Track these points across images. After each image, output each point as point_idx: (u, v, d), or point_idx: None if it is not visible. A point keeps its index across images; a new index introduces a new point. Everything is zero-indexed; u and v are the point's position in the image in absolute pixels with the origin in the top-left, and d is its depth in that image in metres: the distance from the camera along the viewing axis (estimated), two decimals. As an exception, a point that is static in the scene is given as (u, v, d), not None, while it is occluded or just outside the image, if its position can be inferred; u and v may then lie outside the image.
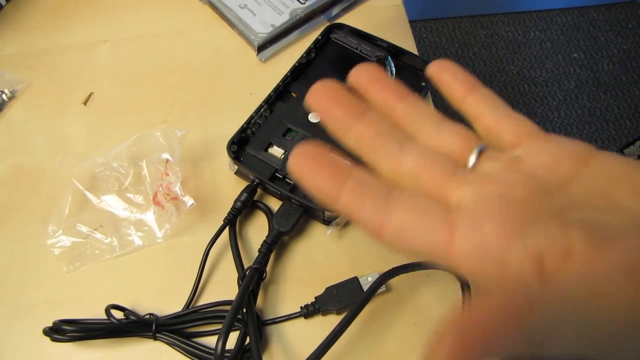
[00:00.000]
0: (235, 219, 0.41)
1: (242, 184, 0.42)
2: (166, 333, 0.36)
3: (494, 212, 0.19)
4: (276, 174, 0.41)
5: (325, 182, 0.20)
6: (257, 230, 0.41)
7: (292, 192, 0.40)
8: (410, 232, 0.19)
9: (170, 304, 0.38)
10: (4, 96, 0.48)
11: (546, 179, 0.20)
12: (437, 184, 0.21)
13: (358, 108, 0.22)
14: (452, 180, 0.21)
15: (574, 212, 0.19)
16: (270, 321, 0.38)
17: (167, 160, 0.41)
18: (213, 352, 0.33)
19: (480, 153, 0.22)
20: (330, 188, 0.20)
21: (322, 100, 0.22)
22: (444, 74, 0.24)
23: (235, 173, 0.43)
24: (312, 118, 0.44)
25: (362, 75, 0.24)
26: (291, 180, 0.41)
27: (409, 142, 0.22)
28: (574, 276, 0.17)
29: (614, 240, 0.17)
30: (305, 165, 0.20)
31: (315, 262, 0.40)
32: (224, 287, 0.39)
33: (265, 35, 0.51)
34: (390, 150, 0.22)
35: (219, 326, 0.36)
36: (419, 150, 0.22)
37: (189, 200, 0.40)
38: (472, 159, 0.22)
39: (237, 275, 0.39)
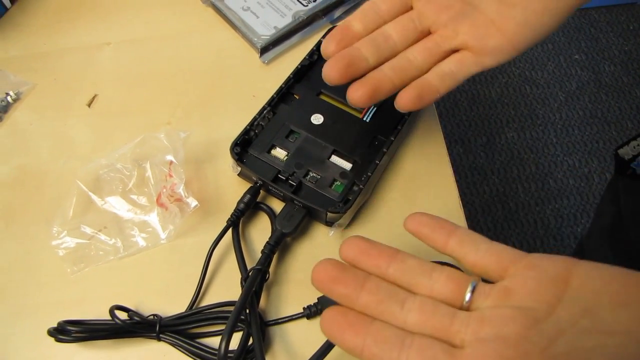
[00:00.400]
0: (239, 221, 0.41)
1: (245, 186, 0.42)
2: (170, 334, 0.37)
3: (489, 357, 0.22)
4: (279, 176, 0.42)
5: (351, 339, 0.25)
6: (260, 232, 0.42)
7: (294, 194, 0.40)
8: None
9: (173, 304, 0.38)
10: (8, 98, 0.48)
11: (534, 309, 0.23)
12: (441, 331, 0.24)
13: (357, 281, 0.26)
14: (454, 325, 0.24)
15: (561, 341, 0.22)
16: (273, 322, 0.38)
17: (171, 162, 0.41)
18: (216, 352, 0.33)
19: (473, 290, 0.25)
20: (355, 344, 0.24)
21: (325, 282, 0.26)
22: (422, 228, 0.28)
23: (238, 175, 0.43)
24: (315, 120, 0.44)
25: (350, 251, 0.28)
26: (294, 182, 0.41)
27: (408, 300, 0.26)
28: None
29: None
30: (333, 327, 0.25)
31: (318, 263, 0.40)
32: (227, 288, 0.39)
33: (268, 37, 0.51)
34: (394, 312, 0.25)
35: (223, 327, 0.37)
36: (419, 304, 0.25)
37: (193, 202, 0.40)
38: (467, 297, 0.25)
39: (240, 276, 0.39)
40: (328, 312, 0.26)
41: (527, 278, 0.25)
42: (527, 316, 0.23)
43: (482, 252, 0.26)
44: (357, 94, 0.33)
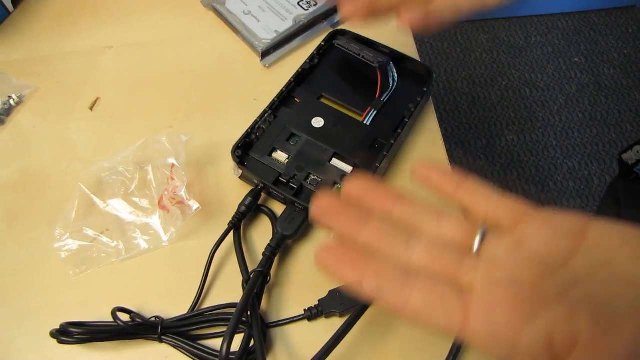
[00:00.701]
0: (240, 223, 0.41)
1: (246, 188, 0.42)
2: (172, 335, 0.37)
3: (504, 298, 0.21)
4: (280, 179, 0.42)
5: (349, 273, 0.23)
6: (261, 234, 0.42)
7: (295, 197, 0.41)
8: (427, 315, 0.22)
9: (175, 306, 0.39)
10: (11, 101, 0.49)
11: (548, 258, 0.22)
12: (448, 272, 0.23)
13: (360, 215, 0.24)
14: (462, 267, 0.23)
15: (578, 289, 0.20)
16: (274, 324, 0.38)
17: (173, 165, 0.41)
18: (218, 354, 0.33)
19: (483, 237, 0.23)
20: (354, 277, 0.23)
21: (325, 214, 0.24)
22: (431, 174, 0.26)
23: (239, 177, 0.43)
24: (316, 123, 0.45)
25: (354, 187, 0.26)
26: (295, 185, 0.41)
27: (413, 238, 0.24)
28: None
29: (617, 325, 0.19)
30: (330, 260, 0.23)
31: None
32: (228, 290, 0.39)
33: (269, 41, 0.51)
34: (398, 251, 0.24)
35: (224, 329, 0.37)
36: (425, 243, 0.24)
37: (195, 205, 0.40)
38: (476, 244, 0.23)
39: (241, 279, 0.39)
40: (324, 246, 0.23)
41: (542, 229, 0.23)
42: (541, 264, 0.22)
43: (493, 203, 0.25)
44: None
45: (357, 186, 0.26)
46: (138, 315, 0.37)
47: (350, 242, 0.24)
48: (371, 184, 0.26)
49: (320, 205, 0.25)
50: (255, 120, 0.44)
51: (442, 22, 0.35)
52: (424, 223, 0.25)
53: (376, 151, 0.43)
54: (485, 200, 0.25)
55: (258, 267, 0.38)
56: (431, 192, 0.26)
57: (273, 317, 0.38)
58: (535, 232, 0.23)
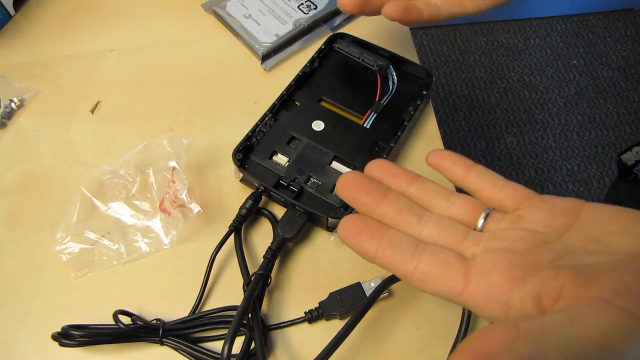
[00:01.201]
0: (241, 226, 0.41)
1: (247, 191, 0.43)
2: (173, 338, 0.37)
3: (500, 264, 0.23)
4: (280, 182, 0.42)
5: (366, 243, 0.26)
6: (262, 237, 0.42)
7: (296, 199, 0.41)
8: (433, 279, 0.24)
9: (176, 309, 0.39)
10: (12, 105, 0.49)
11: (544, 232, 0.25)
12: (454, 244, 0.26)
13: (379, 192, 0.27)
14: (466, 241, 0.26)
15: (568, 258, 0.23)
16: (275, 326, 0.38)
17: (174, 168, 0.41)
18: (219, 356, 0.34)
19: (487, 216, 0.26)
20: (369, 247, 0.25)
21: (349, 190, 0.27)
22: (443, 161, 0.29)
23: (240, 180, 0.44)
24: (316, 126, 0.45)
25: (375, 170, 0.29)
26: (295, 188, 0.42)
27: (425, 214, 0.27)
28: (560, 310, 0.21)
29: (595, 277, 0.21)
30: (350, 231, 0.26)
31: (319, 267, 0.41)
32: (229, 292, 0.40)
33: (269, 44, 0.52)
34: (411, 223, 0.26)
35: (225, 331, 0.37)
36: (435, 219, 0.27)
37: (195, 207, 0.41)
38: (480, 222, 0.26)
39: (242, 281, 0.39)
40: (346, 218, 0.26)
41: (539, 209, 0.26)
42: (536, 237, 0.24)
43: (498, 187, 0.27)
44: None
45: (377, 167, 0.29)
46: (139, 317, 0.37)
47: (368, 216, 0.27)
48: (390, 165, 0.29)
49: (346, 180, 0.27)
50: (256, 124, 0.44)
51: (421, 19, 0.39)
52: (436, 202, 0.27)
53: (376, 154, 0.43)
54: (491, 184, 0.27)
55: (259, 270, 0.38)
56: (443, 176, 0.29)
57: (274, 320, 0.39)
58: (534, 212, 0.26)
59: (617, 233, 0.23)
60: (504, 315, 0.22)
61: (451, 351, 0.37)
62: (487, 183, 0.28)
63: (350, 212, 0.40)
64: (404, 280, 0.25)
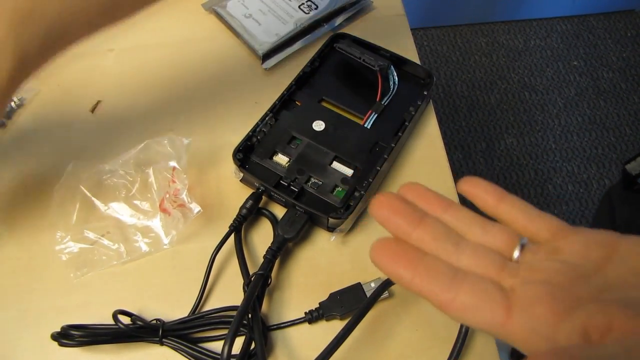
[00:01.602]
0: (241, 226, 0.41)
1: (247, 191, 0.43)
2: (172, 338, 0.37)
3: (543, 297, 0.23)
4: (281, 182, 0.42)
5: (402, 269, 0.24)
6: (262, 237, 0.42)
7: (296, 200, 0.41)
8: (473, 310, 0.23)
9: (176, 309, 0.39)
10: (12, 104, 0.49)
11: (582, 265, 0.24)
12: (492, 275, 0.25)
13: (415, 216, 0.26)
14: (504, 272, 0.25)
15: (610, 293, 0.22)
16: (275, 326, 0.38)
17: (174, 168, 0.41)
18: (219, 357, 0.33)
19: (523, 247, 0.26)
20: (406, 273, 0.24)
21: (384, 212, 0.26)
22: (475, 189, 0.28)
23: (240, 180, 0.44)
24: (316, 126, 0.45)
25: (409, 193, 0.28)
26: (296, 188, 0.41)
27: (462, 242, 0.26)
28: (614, 342, 0.20)
29: None
30: (385, 256, 0.25)
31: (319, 268, 0.41)
32: (229, 293, 0.40)
33: (270, 44, 0.51)
34: (448, 251, 0.25)
35: (225, 331, 0.37)
36: (472, 248, 0.26)
37: (196, 207, 0.40)
38: (516, 253, 0.26)
39: (242, 281, 0.39)
40: (380, 241, 0.25)
41: (576, 242, 0.25)
42: (576, 270, 0.24)
43: (532, 217, 0.27)
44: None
45: (411, 190, 0.28)
46: (139, 317, 0.37)
47: (403, 241, 0.26)
48: (425, 190, 0.28)
49: (382, 201, 0.26)
50: (257, 124, 0.44)
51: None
52: (472, 230, 0.27)
53: (377, 154, 0.43)
54: (525, 214, 0.27)
55: (259, 270, 0.38)
56: (474, 203, 0.28)
57: (274, 320, 0.38)
58: (570, 244, 0.25)
59: None
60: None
61: (451, 356, 0.37)
62: (521, 213, 0.27)
63: (351, 213, 0.40)
64: (441, 310, 0.24)
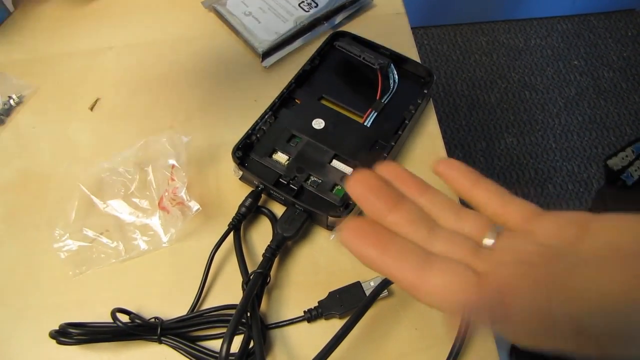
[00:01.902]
0: (240, 224, 0.41)
1: (246, 190, 0.42)
2: (171, 336, 0.37)
3: (518, 276, 0.23)
4: (280, 180, 0.42)
5: (371, 250, 0.24)
6: (261, 235, 0.42)
7: (295, 198, 0.41)
8: (444, 293, 0.23)
9: (175, 307, 0.38)
10: (11, 101, 0.49)
11: (556, 245, 0.24)
12: (465, 259, 0.24)
13: (392, 197, 0.26)
14: (478, 258, 0.24)
15: (584, 268, 0.22)
16: (274, 325, 0.38)
17: (173, 166, 0.41)
18: (217, 355, 0.33)
19: (496, 233, 0.25)
20: (375, 254, 0.24)
21: (361, 189, 0.25)
22: (451, 171, 0.28)
23: (240, 179, 0.43)
24: (316, 124, 0.45)
25: (385, 172, 0.27)
26: (295, 186, 0.41)
27: (436, 227, 0.26)
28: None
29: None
30: (354, 238, 0.24)
31: (319, 266, 0.41)
32: (228, 291, 0.39)
33: (270, 42, 0.51)
34: (422, 236, 0.25)
35: (224, 330, 0.37)
36: (446, 234, 0.25)
37: (195, 206, 0.40)
38: (491, 241, 0.25)
39: (241, 280, 0.39)
40: (351, 221, 0.24)
41: (548, 224, 0.25)
42: (549, 250, 0.24)
43: (505, 202, 0.26)
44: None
45: (388, 170, 0.27)
46: (137, 316, 0.37)
47: (375, 223, 0.25)
48: (403, 171, 0.27)
49: (358, 179, 0.25)
50: (256, 122, 0.44)
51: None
52: (446, 216, 0.26)
53: (377, 153, 0.43)
54: (498, 199, 0.27)
55: (258, 269, 0.38)
56: (448, 186, 0.28)
57: (273, 319, 0.38)
58: (543, 226, 0.25)
59: (632, 239, 0.23)
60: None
61: (450, 355, 0.36)
62: (494, 198, 0.27)
63: (351, 212, 0.40)
64: (411, 293, 0.23)
